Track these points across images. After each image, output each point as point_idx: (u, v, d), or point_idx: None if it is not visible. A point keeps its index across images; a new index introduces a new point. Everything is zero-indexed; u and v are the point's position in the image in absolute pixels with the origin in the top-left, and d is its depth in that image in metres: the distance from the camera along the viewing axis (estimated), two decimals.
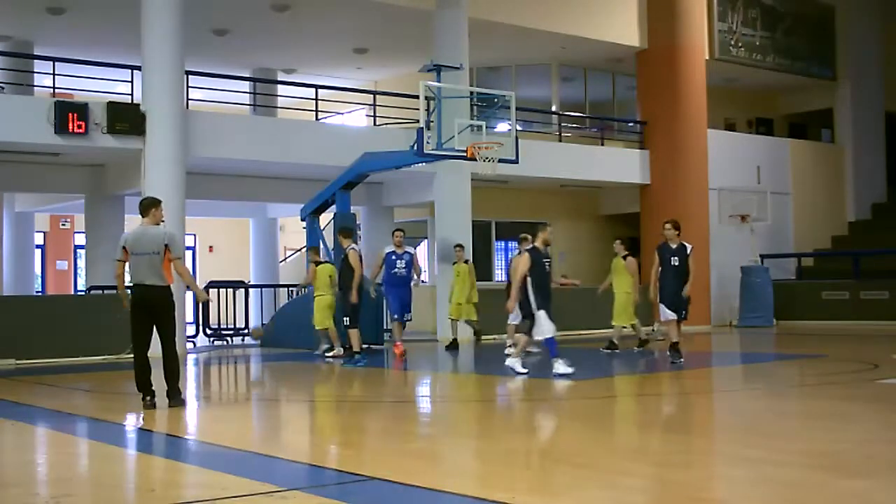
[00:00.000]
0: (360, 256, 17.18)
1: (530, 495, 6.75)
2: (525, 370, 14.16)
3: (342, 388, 14.35)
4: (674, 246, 15.82)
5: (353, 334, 16.95)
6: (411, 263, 18.24)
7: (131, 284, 11.42)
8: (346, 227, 18.23)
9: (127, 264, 11.42)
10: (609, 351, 18.20)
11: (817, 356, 17.55)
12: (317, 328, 18.48)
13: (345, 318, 17.18)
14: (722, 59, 28.90)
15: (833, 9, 32.59)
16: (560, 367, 13.89)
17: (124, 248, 11.37)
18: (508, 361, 14.36)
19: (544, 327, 14.00)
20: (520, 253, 17.89)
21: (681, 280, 15.70)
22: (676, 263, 15.71)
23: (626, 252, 18.62)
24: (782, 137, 33.09)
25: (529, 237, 17.50)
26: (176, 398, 11.32)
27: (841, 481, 7.08)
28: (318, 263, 18.62)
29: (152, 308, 11.28)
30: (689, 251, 15.81)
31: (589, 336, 20.79)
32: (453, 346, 19.99)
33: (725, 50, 29.04)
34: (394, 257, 18.06)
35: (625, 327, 18.64)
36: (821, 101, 33.50)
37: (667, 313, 15.87)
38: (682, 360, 15.65)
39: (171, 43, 19.37)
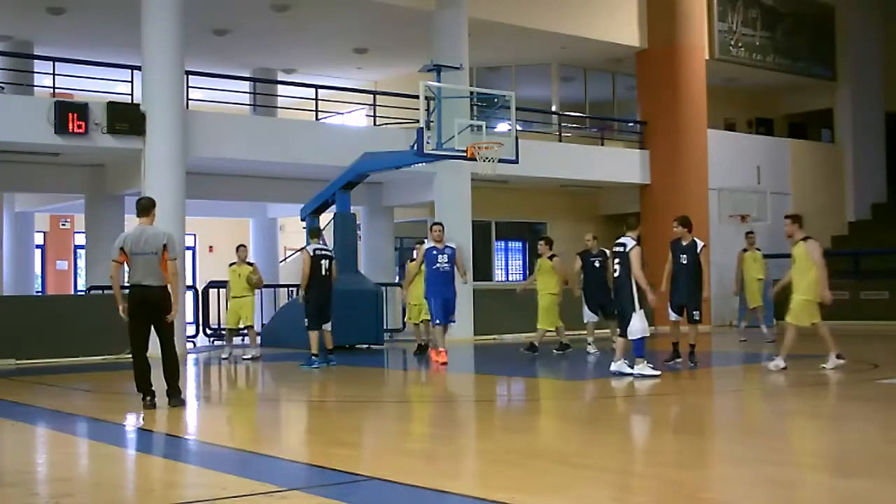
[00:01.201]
0: (320, 257, 16.51)
1: (530, 495, 6.74)
2: (653, 370, 13.89)
3: (341, 389, 14.34)
4: (684, 243, 15.52)
5: (312, 336, 16.43)
6: (454, 258, 17.08)
7: (129, 285, 11.33)
8: (312, 228, 18.00)
9: (123, 265, 11.33)
10: (528, 352, 17.81)
11: (817, 356, 17.53)
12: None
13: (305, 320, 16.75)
14: (722, 59, 28.92)
15: (833, 9, 32.61)
16: (644, 368, 13.77)
17: (122, 249, 11.28)
18: (637, 369, 13.77)
19: (637, 326, 13.75)
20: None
21: (690, 279, 15.43)
22: (685, 262, 15.45)
23: (552, 252, 18.27)
24: (782, 137, 33.11)
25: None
26: (176, 398, 11.30)
27: (841, 481, 7.09)
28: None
29: (151, 308, 11.24)
30: (699, 248, 15.48)
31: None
32: (421, 352, 18.65)
33: (725, 50, 29.05)
34: (434, 252, 16.99)
35: (549, 330, 18.09)
36: (821, 101, 33.52)
37: (670, 314, 15.77)
38: (679, 360, 15.57)
39: (171, 43, 19.38)
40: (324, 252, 16.72)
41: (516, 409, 12.55)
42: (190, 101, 20.74)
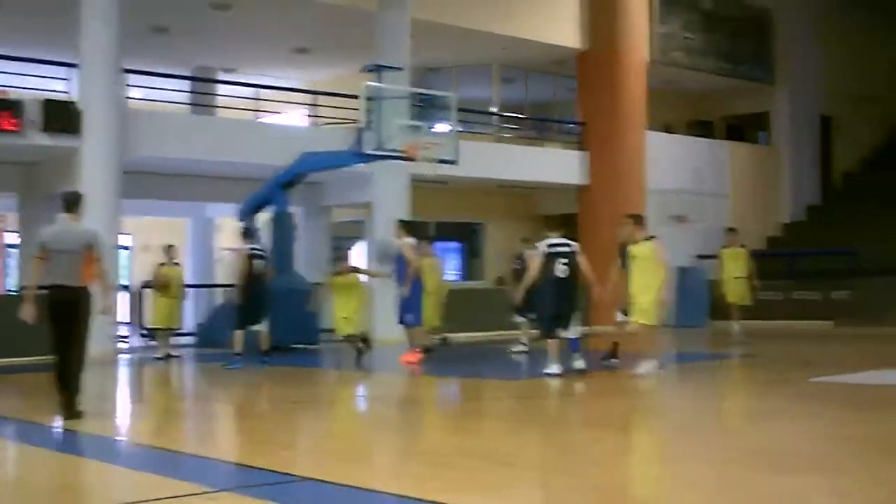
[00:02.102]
0: (254, 256, 16.36)
1: (464, 495, 6.76)
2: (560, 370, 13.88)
3: (275, 389, 14.28)
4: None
5: (236, 335, 16.29)
6: (401, 258, 16.69)
7: (47, 285, 10.60)
8: (245, 229, 17.64)
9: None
10: (429, 354, 17.48)
11: (751, 356, 17.74)
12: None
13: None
14: (661, 61, 29.10)
15: (771, 13, 32.96)
16: (579, 363, 13.91)
17: (43, 245, 10.58)
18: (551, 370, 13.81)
19: (578, 325, 14.02)
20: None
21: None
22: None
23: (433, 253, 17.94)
24: (720, 140, 33.40)
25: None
26: (71, 410, 10.46)
27: (776, 478, 7.16)
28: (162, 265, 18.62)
29: (71, 309, 10.58)
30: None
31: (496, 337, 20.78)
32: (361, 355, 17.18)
33: (665, 53, 29.24)
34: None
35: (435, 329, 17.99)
36: (758, 104, 33.84)
37: (617, 314, 15.86)
38: (616, 360, 15.62)
39: (109, 40, 19.18)
40: (257, 252, 16.61)
41: (450, 410, 12.57)
42: (128, 100, 20.56)
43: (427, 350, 17.61)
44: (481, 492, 6.90)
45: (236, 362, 16.07)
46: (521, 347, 18.38)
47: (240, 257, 16.42)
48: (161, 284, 18.42)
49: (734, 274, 20.75)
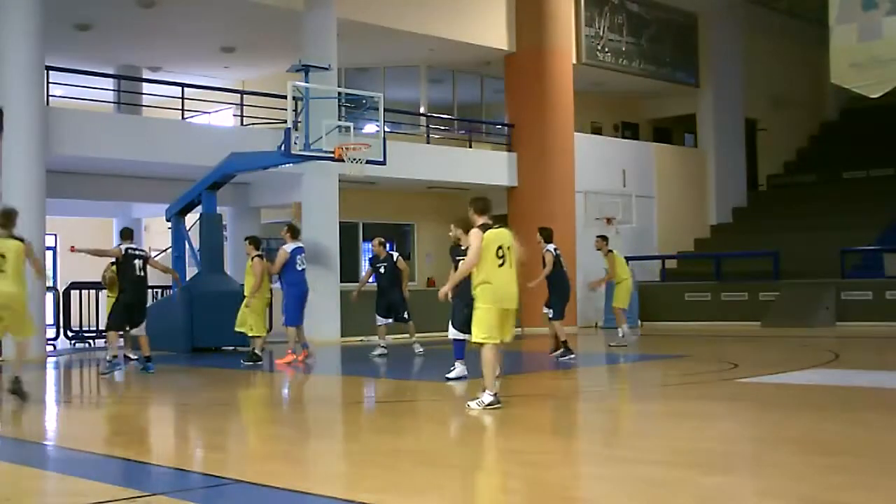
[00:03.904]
0: (132, 256, 15.45)
1: (396, 496, 6.71)
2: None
3: (204, 391, 14.13)
4: (543, 251, 16.48)
5: (110, 336, 15.67)
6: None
7: None
8: (123, 229, 16.63)
9: None
10: (251, 363, 16.90)
11: (680, 356, 17.87)
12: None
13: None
14: (589, 63, 29.27)
15: (696, 17, 33.31)
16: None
17: None
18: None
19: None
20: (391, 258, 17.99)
21: (548, 283, 16.44)
22: (542, 267, 16.37)
23: (257, 253, 17.08)
24: (647, 141, 33.69)
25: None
26: None
27: (703, 478, 7.19)
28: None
29: None
30: (542, 253, 16.48)
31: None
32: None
33: (592, 54, 29.43)
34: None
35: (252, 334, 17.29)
36: (684, 106, 34.21)
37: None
38: (573, 356, 16.24)
39: (30, 36, 18.89)
40: (136, 252, 15.71)
41: (382, 411, 12.51)
42: (51, 98, 20.25)
43: (254, 358, 17.08)
44: (414, 492, 6.85)
45: (116, 365, 15.63)
46: (378, 350, 18.20)
47: (115, 252, 15.73)
48: (111, 284, 17.93)
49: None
